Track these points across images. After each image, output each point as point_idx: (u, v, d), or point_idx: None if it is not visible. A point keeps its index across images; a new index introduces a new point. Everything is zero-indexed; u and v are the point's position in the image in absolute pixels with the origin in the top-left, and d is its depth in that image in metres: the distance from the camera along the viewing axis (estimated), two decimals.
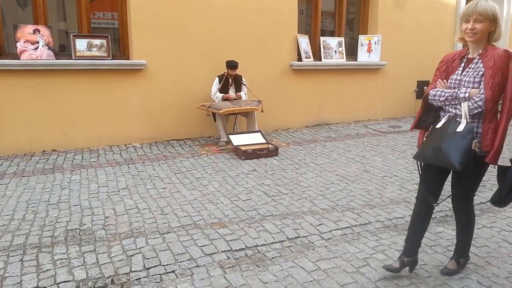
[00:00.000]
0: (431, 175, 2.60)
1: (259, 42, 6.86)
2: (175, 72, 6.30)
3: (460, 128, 2.36)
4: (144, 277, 2.70)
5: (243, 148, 5.52)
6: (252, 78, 6.67)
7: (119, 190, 4.28)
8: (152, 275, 2.72)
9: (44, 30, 5.61)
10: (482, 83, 2.32)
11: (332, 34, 8.14)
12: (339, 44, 7.81)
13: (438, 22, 8.65)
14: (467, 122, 2.36)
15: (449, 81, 2.49)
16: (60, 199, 4.02)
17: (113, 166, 5.10)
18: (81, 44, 5.83)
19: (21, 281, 2.63)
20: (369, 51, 8.00)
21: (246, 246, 3.12)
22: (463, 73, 2.44)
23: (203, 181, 4.61)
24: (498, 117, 2.36)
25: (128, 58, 6.16)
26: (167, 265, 2.84)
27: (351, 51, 8.28)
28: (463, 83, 2.41)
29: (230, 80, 6.37)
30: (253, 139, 5.89)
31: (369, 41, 7.99)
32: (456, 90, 2.40)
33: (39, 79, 5.54)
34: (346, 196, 4.18)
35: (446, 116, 2.48)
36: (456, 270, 2.74)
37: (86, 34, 5.93)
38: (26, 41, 5.50)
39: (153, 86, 6.20)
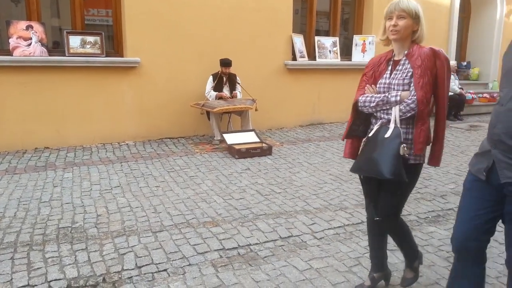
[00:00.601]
0: (371, 187, 2.45)
1: (254, 41, 6.85)
2: (169, 70, 6.28)
3: (388, 133, 2.22)
4: (136, 275, 2.69)
5: (237, 147, 5.52)
6: (247, 77, 6.66)
7: (111, 188, 4.26)
8: (144, 274, 2.71)
9: (37, 27, 5.56)
10: (412, 84, 2.21)
11: (327, 33, 8.15)
12: (334, 44, 7.82)
13: (431, 22, 8.68)
14: (395, 126, 2.22)
15: (377, 86, 2.35)
16: (52, 197, 4.00)
17: (106, 164, 5.08)
18: (74, 41, 5.80)
19: (11, 279, 2.61)
20: (364, 51, 8.02)
21: (238, 245, 3.12)
22: (391, 76, 2.31)
23: (196, 179, 4.60)
24: (435, 118, 2.30)
25: (122, 56, 6.13)
26: (159, 263, 2.84)
27: (346, 51, 8.30)
28: (392, 86, 2.28)
29: (224, 78, 6.36)
30: (247, 138, 5.88)
31: (364, 41, 8.02)
32: (386, 94, 2.27)
33: (32, 75, 5.50)
34: (339, 196, 4.19)
35: (379, 123, 2.31)
36: (415, 277, 2.59)
37: (79, 31, 5.90)
38: (19, 37, 5.46)
39: (147, 84, 6.17)
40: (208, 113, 6.23)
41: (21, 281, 2.59)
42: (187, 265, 2.82)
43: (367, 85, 2.39)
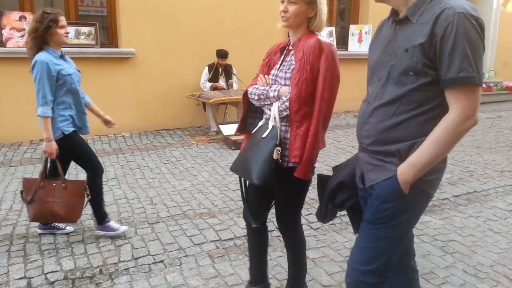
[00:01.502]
0: (253, 189, 2.17)
1: (250, 31, 6.81)
2: (164, 61, 6.24)
3: (265, 133, 1.96)
4: (133, 267, 2.70)
5: (233, 138, 5.51)
6: (242, 68, 6.62)
7: (107, 180, 4.25)
8: (141, 265, 2.72)
9: (30, 18, 5.49)
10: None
11: None
12: (330, 34, 7.78)
13: None
14: (273, 126, 1.95)
15: (270, 77, 2.05)
16: None
17: (102, 156, 5.06)
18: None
19: (8, 271, 2.61)
20: (360, 41, 7.99)
21: (235, 236, 3.13)
22: (280, 67, 2.02)
23: (192, 171, 4.60)
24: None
25: (116, 46, 6.08)
26: (155, 255, 2.84)
27: (342, 41, 8.26)
28: (278, 79, 2.00)
29: (220, 69, 6.33)
30: None
31: (360, 30, 7.98)
32: (267, 88, 1.99)
33: (25, 67, 5.34)
34: None
35: (264, 119, 2.07)
36: None
37: (74, 22, 5.83)
38: (12, 28, 5.40)
39: (142, 75, 6.14)
40: (204, 104, 6.21)
41: (18, 273, 2.59)
42: (184, 256, 2.83)
43: (260, 75, 2.10)
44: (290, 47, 2.02)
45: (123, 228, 3.08)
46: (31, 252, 2.84)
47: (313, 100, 1.91)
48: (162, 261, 2.77)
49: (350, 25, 8.07)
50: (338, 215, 3.49)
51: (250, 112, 2.19)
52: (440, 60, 1.41)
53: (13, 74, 5.38)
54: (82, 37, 5.82)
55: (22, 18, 5.45)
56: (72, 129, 2.89)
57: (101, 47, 5.94)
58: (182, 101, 6.40)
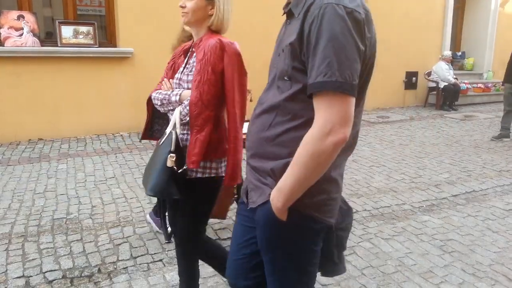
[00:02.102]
0: (169, 202, 2.06)
1: (248, 31, 6.80)
2: (163, 61, 6.15)
3: (162, 140, 1.85)
4: (131, 266, 2.69)
5: None
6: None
7: (106, 179, 4.24)
8: (140, 264, 2.71)
9: (28, 17, 5.49)
10: None
11: None
12: None
13: (427, 11, 8.68)
14: (170, 132, 1.81)
15: (174, 81, 1.93)
16: (47, 188, 3.98)
17: (100, 155, 5.06)
18: (67, 31, 5.73)
19: (6, 270, 2.60)
20: None
21: None
22: (184, 70, 1.90)
23: None
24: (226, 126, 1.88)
25: (115, 46, 6.08)
26: (154, 254, 2.84)
27: None
28: (182, 83, 1.88)
29: None
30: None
31: None
32: (169, 92, 1.88)
33: (24, 66, 5.45)
34: None
35: (170, 126, 1.90)
36: None
37: (72, 21, 5.83)
38: (10, 27, 5.39)
39: (141, 74, 6.12)
40: None
41: (16, 272, 2.59)
42: None
43: (164, 79, 1.98)
44: (193, 48, 1.91)
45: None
46: (29, 251, 2.84)
47: (217, 103, 1.81)
48: (161, 260, 2.76)
49: None
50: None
51: (158, 119, 2.07)
52: (306, 63, 1.16)
53: (11, 73, 5.37)
54: (81, 36, 5.81)
55: (20, 17, 5.44)
56: None
57: (99, 46, 5.93)
58: None
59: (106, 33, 6.20)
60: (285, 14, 1.31)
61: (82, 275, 2.58)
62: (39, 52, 5.50)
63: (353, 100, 1.13)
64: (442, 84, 8.74)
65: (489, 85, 10.00)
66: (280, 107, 1.25)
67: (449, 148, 5.73)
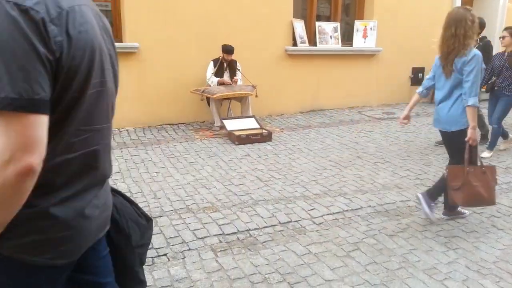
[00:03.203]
0: None
1: (254, 26, 6.79)
2: (168, 56, 6.23)
3: None
4: None
5: (237, 133, 5.51)
6: (247, 63, 6.62)
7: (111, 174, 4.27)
8: None
9: None
10: None
11: (327, 19, 8.07)
12: (335, 29, 7.75)
13: (434, 8, 8.60)
14: None
15: None
16: None
17: None
18: None
19: None
20: (365, 36, 7.95)
21: (238, 230, 3.14)
22: None
23: (196, 165, 4.61)
24: None
25: (120, 41, 6.08)
26: (159, 248, 2.86)
27: (347, 37, 8.22)
28: None
29: (225, 64, 6.32)
30: (247, 124, 5.87)
31: (365, 26, 7.94)
32: None
33: None
34: (338, 182, 4.20)
35: None
36: None
37: None
38: None
39: (147, 69, 6.14)
40: (208, 99, 6.20)
41: None
42: (187, 250, 2.85)
43: None
44: None
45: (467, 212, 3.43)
46: None
47: None
48: (165, 255, 2.78)
49: (355, 21, 8.03)
50: (340, 210, 3.52)
51: None
52: None
53: None
54: None
55: None
56: None
57: None
58: (186, 96, 6.40)
59: (112, 28, 6.19)
60: None
61: None
62: None
63: (39, 119, 0.91)
64: None
65: None
66: None
67: None
